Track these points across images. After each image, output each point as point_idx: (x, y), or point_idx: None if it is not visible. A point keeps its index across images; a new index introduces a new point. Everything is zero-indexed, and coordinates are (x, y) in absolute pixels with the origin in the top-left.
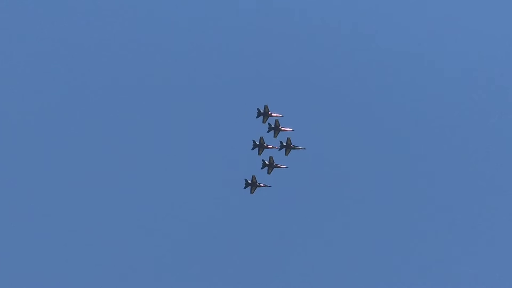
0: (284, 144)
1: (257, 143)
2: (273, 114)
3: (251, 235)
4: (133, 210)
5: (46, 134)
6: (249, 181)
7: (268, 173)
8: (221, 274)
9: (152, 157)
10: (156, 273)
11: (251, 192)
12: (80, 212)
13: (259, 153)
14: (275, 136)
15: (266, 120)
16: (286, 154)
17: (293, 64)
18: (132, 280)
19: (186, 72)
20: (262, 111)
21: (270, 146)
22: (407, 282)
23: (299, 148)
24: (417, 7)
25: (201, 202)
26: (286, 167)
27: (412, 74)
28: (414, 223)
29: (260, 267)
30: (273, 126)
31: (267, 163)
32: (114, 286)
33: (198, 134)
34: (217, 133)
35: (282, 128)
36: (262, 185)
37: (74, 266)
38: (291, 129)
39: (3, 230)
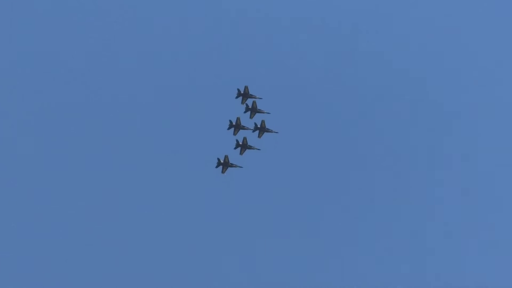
0: (258, 126)
1: (234, 123)
2: (252, 96)
3: (219, 216)
4: (103, 191)
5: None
6: (222, 161)
7: (241, 153)
8: (185, 257)
9: (123, 134)
10: (121, 256)
11: (222, 172)
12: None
13: (235, 133)
14: (251, 117)
15: (245, 101)
16: (259, 137)
17: (278, 53)
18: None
19: (169, 51)
20: (242, 91)
21: (246, 127)
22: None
23: (272, 132)
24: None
25: (172, 180)
26: (259, 149)
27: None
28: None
29: (226, 249)
30: (250, 107)
31: (241, 143)
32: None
33: (175, 111)
34: (195, 111)
35: (259, 110)
36: (234, 165)
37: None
38: (267, 112)
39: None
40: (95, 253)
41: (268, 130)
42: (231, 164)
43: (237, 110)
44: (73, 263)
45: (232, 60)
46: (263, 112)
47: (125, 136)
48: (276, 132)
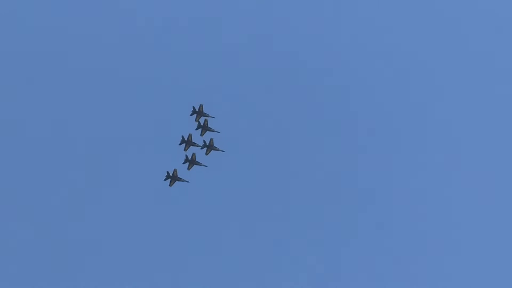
0: (207, 144)
1: (185, 139)
2: (205, 114)
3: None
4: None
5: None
6: (170, 174)
7: (188, 168)
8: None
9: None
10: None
11: (170, 185)
12: None
13: (185, 149)
14: (201, 134)
15: (199, 118)
16: (206, 154)
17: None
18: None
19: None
20: (196, 109)
21: (196, 144)
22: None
23: (218, 150)
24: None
25: (121, 193)
26: (206, 166)
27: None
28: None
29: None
30: (202, 125)
31: (189, 159)
32: None
33: (132, 124)
34: (150, 125)
35: (210, 128)
36: (182, 179)
37: None
38: (217, 131)
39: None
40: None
41: (215, 148)
42: (179, 178)
43: (191, 126)
44: None
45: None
46: (213, 131)
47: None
48: (223, 151)
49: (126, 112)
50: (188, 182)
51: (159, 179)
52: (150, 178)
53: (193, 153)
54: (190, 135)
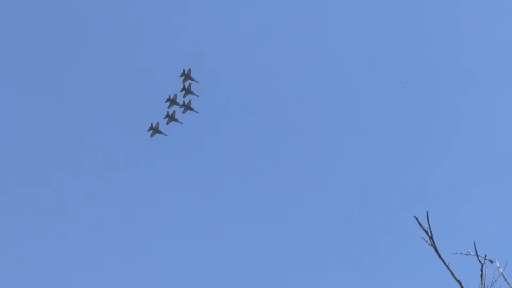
0: (186, 104)
1: (171, 97)
2: (192, 78)
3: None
4: None
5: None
6: (153, 126)
7: (167, 123)
8: None
9: None
10: None
11: (151, 136)
12: None
13: (169, 107)
14: (184, 96)
15: (186, 81)
16: (183, 112)
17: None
18: None
19: None
20: (185, 72)
21: (178, 103)
22: None
23: (194, 111)
24: None
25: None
26: (181, 123)
27: None
28: None
29: None
30: (186, 88)
31: (169, 114)
32: None
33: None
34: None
35: (192, 92)
36: (161, 132)
37: None
38: (197, 95)
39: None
40: None
41: (191, 109)
42: (160, 131)
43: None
44: None
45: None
46: (194, 94)
47: None
48: (197, 112)
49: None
50: (166, 135)
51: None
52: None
53: (174, 110)
54: (175, 95)
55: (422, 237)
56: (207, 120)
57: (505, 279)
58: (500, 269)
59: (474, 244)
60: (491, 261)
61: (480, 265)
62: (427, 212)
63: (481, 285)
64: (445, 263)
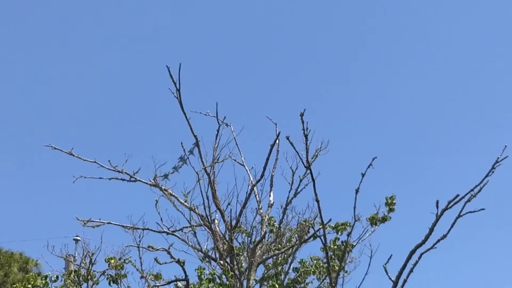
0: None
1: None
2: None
3: None
4: None
5: None
6: None
7: None
8: None
9: None
10: None
11: None
12: None
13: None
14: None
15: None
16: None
17: None
18: None
19: None
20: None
21: None
22: None
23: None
24: None
25: None
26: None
27: None
28: None
29: None
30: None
31: None
32: None
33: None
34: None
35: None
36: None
37: None
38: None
39: None
40: None
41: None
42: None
43: None
44: None
45: None
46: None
47: None
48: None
49: None
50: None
51: None
52: None
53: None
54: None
55: (169, 88)
56: None
57: (236, 144)
58: (234, 133)
59: (216, 105)
60: (227, 125)
61: (218, 125)
62: (180, 64)
63: (215, 144)
64: (186, 117)
